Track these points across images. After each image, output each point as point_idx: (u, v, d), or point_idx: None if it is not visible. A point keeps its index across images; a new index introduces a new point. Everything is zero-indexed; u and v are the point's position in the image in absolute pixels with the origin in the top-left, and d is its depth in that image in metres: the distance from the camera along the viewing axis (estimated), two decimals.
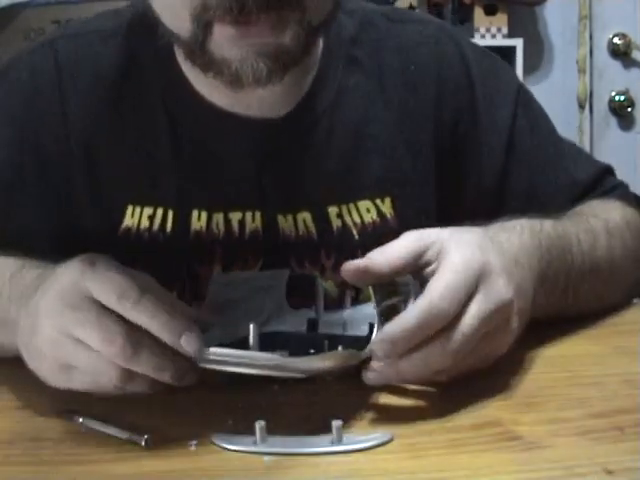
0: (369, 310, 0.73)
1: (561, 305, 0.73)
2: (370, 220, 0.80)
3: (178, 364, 0.58)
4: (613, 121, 2.36)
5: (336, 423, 0.54)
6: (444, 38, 0.85)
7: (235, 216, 0.78)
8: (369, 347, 0.59)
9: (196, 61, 0.69)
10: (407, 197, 0.81)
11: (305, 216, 0.79)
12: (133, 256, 0.76)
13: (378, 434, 0.55)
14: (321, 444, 0.54)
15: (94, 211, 0.79)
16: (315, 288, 0.75)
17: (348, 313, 0.74)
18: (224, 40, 0.65)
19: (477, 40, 2.14)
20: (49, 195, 0.79)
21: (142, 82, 0.79)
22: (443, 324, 0.57)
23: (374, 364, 0.59)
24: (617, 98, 2.33)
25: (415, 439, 0.54)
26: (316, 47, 0.79)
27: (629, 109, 2.34)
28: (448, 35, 0.85)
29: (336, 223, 0.80)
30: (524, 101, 0.86)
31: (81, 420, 0.58)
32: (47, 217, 0.79)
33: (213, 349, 0.58)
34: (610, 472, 0.49)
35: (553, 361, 0.67)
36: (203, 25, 0.65)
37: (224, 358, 0.57)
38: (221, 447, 0.54)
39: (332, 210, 0.79)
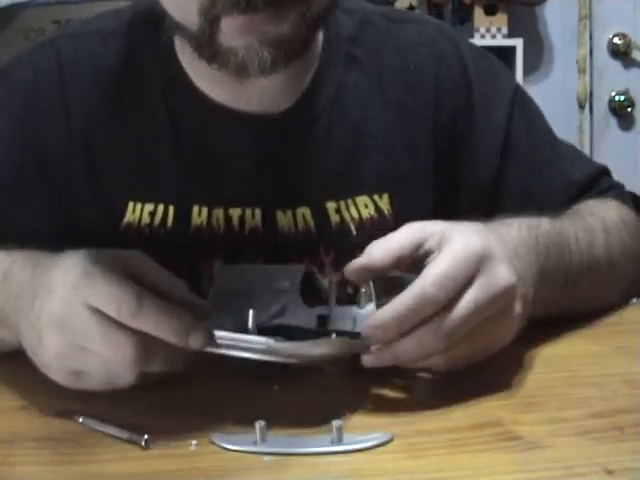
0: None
1: (560, 303, 0.73)
2: (368, 216, 0.81)
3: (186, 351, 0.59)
4: (613, 121, 2.36)
5: (336, 423, 0.54)
6: (442, 38, 0.85)
7: (235, 212, 0.79)
8: (362, 332, 0.59)
9: (203, 53, 0.70)
10: (405, 195, 0.82)
11: (304, 212, 0.80)
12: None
13: (378, 434, 0.54)
14: (321, 444, 0.54)
15: (95, 208, 0.79)
16: (328, 285, 0.75)
17: (358, 310, 0.74)
18: (231, 30, 0.66)
19: (477, 40, 2.14)
20: (50, 194, 0.79)
21: (142, 80, 0.80)
22: (435, 309, 0.57)
23: (371, 348, 0.59)
24: (617, 98, 2.33)
25: (415, 439, 0.54)
26: (316, 43, 0.80)
27: (629, 109, 2.34)
28: (446, 35, 0.86)
29: (334, 219, 0.80)
30: (521, 102, 0.86)
31: (81, 420, 0.58)
32: (48, 215, 0.79)
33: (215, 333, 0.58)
34: (610, 472, 0.49)
35: (553, 361, 0.67)
36: (210, 20, 0.66)
37: (217, 340, 0.58)
38: (221, 447, 0.54)
39: (330, 206, 0.80)
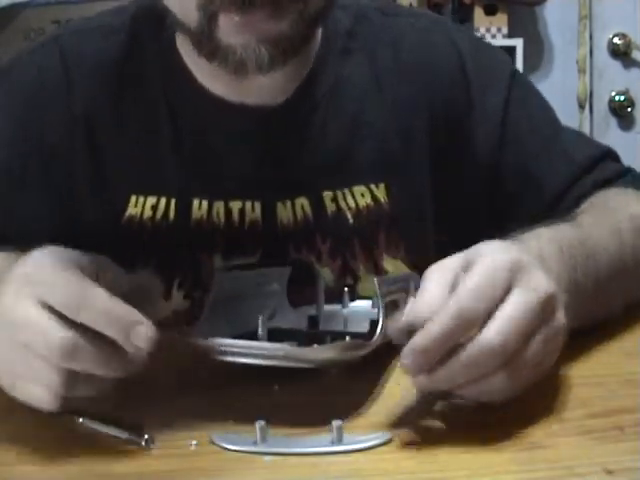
0: (369, 307, 0.73)
1: (591, 312, 0.68)
2: (364, 204, 0.82)
3: (121, 354, 0.55)
4: (613, 121, 2.35)
5: (336, 423, 0.54)
6: (435, 28, 0.87)
7: (235, 205, 0.80)
8: (400, 362, 0.54)
9: (202, 50, 0.72)
10: (401, 183, 0.83)
11: (303, 202, 0.81)
12: (135, 245, 0.80)
13: (378, 434, 0.54)
14: (321, 444, 0.54)
15: (97, 202, 0.80)
16: (316, 285, 0.76)
17: (348, 310, 0.75)
18: (229, 28, 0.67)
19: None
20: (53, 190, 0.81)
21: (144, 75, 0.81)
22: (474, 324, 0.52)
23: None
24: (617, 98, 2.33)
25: (415, 439, 0.54)
26: (314, 38, 0.81)
27: (629, 109, 2.33)
28: (440, 25, 0.88)
29: (330, 207, 0.82)
30: (519, 85, 0.86)
31: (81, 420, 0.58)
32: (50, 212, 0.81)
33: (222, 340, 0.58)
34: (610, 472, 0.49)
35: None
36: (209, 15, 0.67)
37: (233, 349, 0.58)
38: (221, 447, 0.54)
39: (327, 194, 0.81)
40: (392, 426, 0.56)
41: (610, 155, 0.89)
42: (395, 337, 0.56)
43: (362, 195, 0.82)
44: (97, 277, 0.58)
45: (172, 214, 0.80)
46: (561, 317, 0.56)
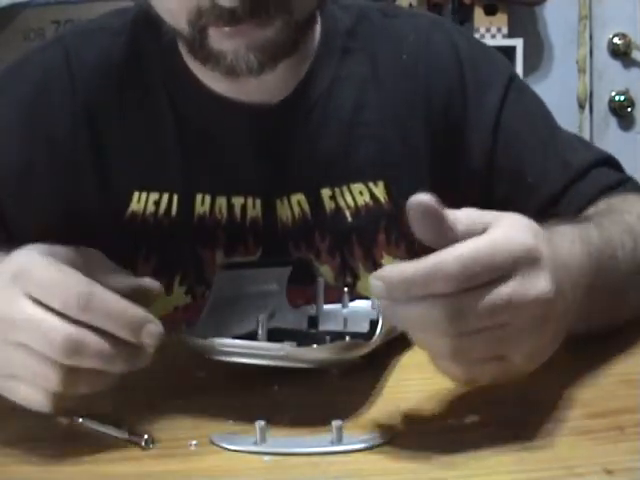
0: (368, 307, 0.74)
1: (610, 315, 0.68)
2: (363, 203, 0.83)
3: (128, 349, 0.54)
4: (613, 121, 2.36)
5: (336, 423, 0.53)
6: (434, 28, 0.87)
7: (237, 201, 0.81)
8: (371, 281, 0.52)
9: (196, 55, 0.74)
10: (400, 181, 0.83)
11: (299, 198, 0.82)
12: (138, 241, 0.81)
13: (378, 434, 0.54)
14: (321, 444, 0.53)
15: (101, 198, 0.81)
16: (316, 285, 0.76)
17: (348, 310, 0.75)
18: (219, 36, 0.70)
19: None
20: (58, 187, 0.81)
21: (146, 74, 0.82)
22: (447, 289, 0.49)
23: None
24: (617, 98, 2.33)
25: (415, 439, 0.54)
26: (312, 37, 0.83)
27: (629, 109, 2.34)
28: (438, 25, 0.88)
29: (329, 205, 0.82)
30: (515, 87, 0.86)
31: (81, 420, 0.58)
32: (55, 207, 0.81)
33: (222, 340, 0.59)
34: (610, 472, 0.49)
35: (553, 361, 0.67)
36: (199, 29, 0.70)
37: (233, 349, 0.58)
38: (221, 447, 0.54)
39: (325, 192, 0.82)
40: (392, 426, 0.56)
41: (610, 162, 0.88)
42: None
43: (360, 193, 0.82)
44: (88, 273, 0.56)
45: (175, 210, 0.81)
46: (553, 327, 0.54)
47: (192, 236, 0.81)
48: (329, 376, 0.64)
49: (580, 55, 2.32)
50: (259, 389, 0.62)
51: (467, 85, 0.84)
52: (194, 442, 0.55)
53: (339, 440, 0.53)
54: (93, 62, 0.82)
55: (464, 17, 2.24)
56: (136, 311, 0.54)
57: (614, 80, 2.34)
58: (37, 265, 0.55)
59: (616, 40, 2.32)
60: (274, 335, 0.66)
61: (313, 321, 0.73)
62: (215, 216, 0.81)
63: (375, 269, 0.81)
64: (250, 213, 0.81)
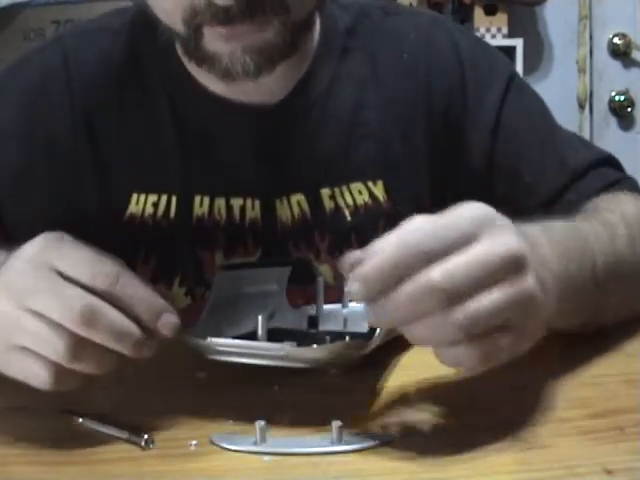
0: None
1: (592, 310, 0.67)
2: (362, 202, 0.83)
3: (138, 333, 0.55)
4: (613, 121, 2.36)
5: (336, 423, 0.53)
6: (435, 27, 0.87)
7: (236, 202, 0.81)
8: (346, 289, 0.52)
9: (192, 56, 0.73)
10: (399, 181, 0.83)
11: (299, 198, 0.82)
12: (137, 242, 0.81)
13: (378, 434, 0.54)
14: (321, 444, 0.53)
15: (100, 200, 0.81)
16: (316, 285, 0.76)
17: (348, 311, 0.75)
18: (214, 37, 0.69)
19: None
20: (57, 188, 0.81)
21: (145, 75, 0.82)
22: (423, 262, 0.49)
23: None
24: (617, 98, 2.33)
25: (415, 439, 0.54)
26: (311, 37, 0.82)
27: (629, 109, 2.34)
28: (439, 24, 0.88)
29: (328, 205, 0.82)
30: (516, 86, 0.86)
31: (81, 420, 0.58)
32: (54, 208, 0.81)
33: (222, 340, 0.59)
34: (610, 472, 0.49)
35: (553, 361, 0.67)
36: (194, 28, 0.69)
37: (233, 349, 0.58)
38: (221, 447, 0.54)
39: (325, 192, 0.82)
40: (392, 426, 0.56)
41: (610, 162, 0.88)
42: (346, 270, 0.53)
43: (360, 193, 0.82)
44: None
45: (173, 211, 0.81)
46: (531, 282, 0.51)
47: (191, 237, 0.81)
48: (329, 376, 0.64)
49: (580, 55, 2.32)
50: (259, 389, 0.62)
51: (467, 84, 0.84)
52: (194, 442, 0.55)
53: (339, 440, 0.53)
54: (92, 63, 0.82)
55: (464, 17, 2.23)
56: (158, 299, 0.56)
57: (614, 80, 2.34)
58: (67, 242, 0.57)
59: (616, 40, 2.32)
60: (274, 335, 0.66)
61: (313, 321, 0.73)
62: (214, 217, 0.81)
63: None
64: (249, 214, 0.81)
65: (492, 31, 2.22)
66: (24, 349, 0.55)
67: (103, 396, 0.59)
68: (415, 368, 0.63)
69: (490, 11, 2.22)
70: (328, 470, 0.51)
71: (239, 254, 0.81)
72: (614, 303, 0.70)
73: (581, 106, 2.33)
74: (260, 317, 0.64)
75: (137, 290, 0.56)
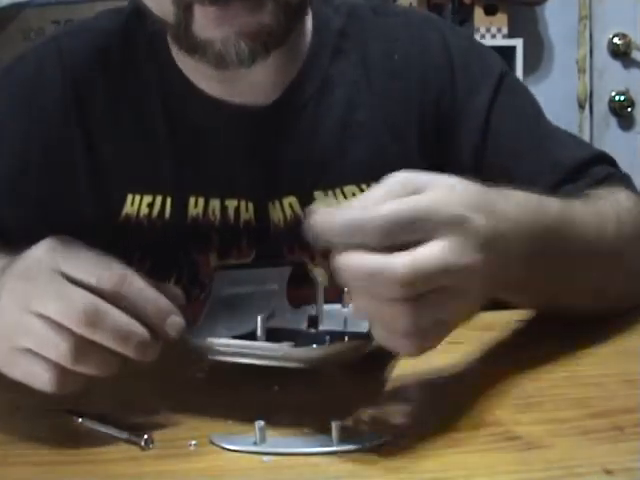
0: None
1: (565, 294, 0.67)
2: None
3: (143, 335, 0.55)
4: (613, 121, 2.36)
5: (336, 423, 0.53)
6: (426, 27, 0.87)
7: (231, 203, 0.81)
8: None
9: (182, 45, 0.72)
10: None
11: (291, 201, 0.81)
12: (132, 243, 0.80)
13: (378, 434, 0.54)
14: (321, 444, 0.53)
15: (95, 200, 0.81)
16: (315, 286, 0.76)
17: (348, 310, 0.75)
18: (206, 22, 0.68)
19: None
20: (52, 187, 0.81)
21: (139, 75, 0.82)
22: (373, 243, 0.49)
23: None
24: (617, 98, 2.33)
25: (415, 439, 0.54)
26: (304, 36, 0.82)
27: (629, 109, 2.34)
28: (431, 24, 0.88)
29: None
30: (507, 86, 0.86)
31: (81, 420, 0.58)
32: (49, 208, 0.81)
33: (221, 340, 0.59)
34: (610, 472, 0.49)
35: (552, 361, 0.67)
36: (184, 7, 0.68)
37: (233, 349, 0.58)
38: (221, 447, 0.54)
39: (318, 195, 0.81)
40: (392, 426, 0.56)
41: (605, 160, 0.87)
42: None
43: (354, 195, 0.82)
44: None
45: (168, 212, 0.80)
46: (472, 254, 0.50)
47: (186, 238, 0.81)
48: (329, 376, 0.64)
49: (580, 55, 2.32)
50: (259, 389, 0.62)
51: (458, 84, 0.84)
52: (193, 442, 0.55)
53: (339, 440, 0.53)
54: (87, 62, 0.82)
55: (464, 17, 2.23)
56: (165, 300, 0.56)
57: (614, 80, 2.34)
58: (72, 245, 0.57)
59: (616, 40, 2.32)
60: (273, 335, 0.66)
61: (313, 321, 0.73)
62: (209, 218, 0.81)
63: None
64: (243, 216, 0.81)
65: (492, 31, 2.22)
66: (28, 351, 0.54)
67: (103, 396, 0.59)
68: (415, 368, 0.63)
69: (490, 11, 2.22)
70: (328, 470, 0.51)
71: (233, 256, 0.81)
72: (589, 290, 0.69)
73: (581, 106, 2.33)
74: (260, 317, 0.64)
75: (144, 291, 0.55)
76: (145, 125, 0.81)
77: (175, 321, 0.56)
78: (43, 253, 0.57)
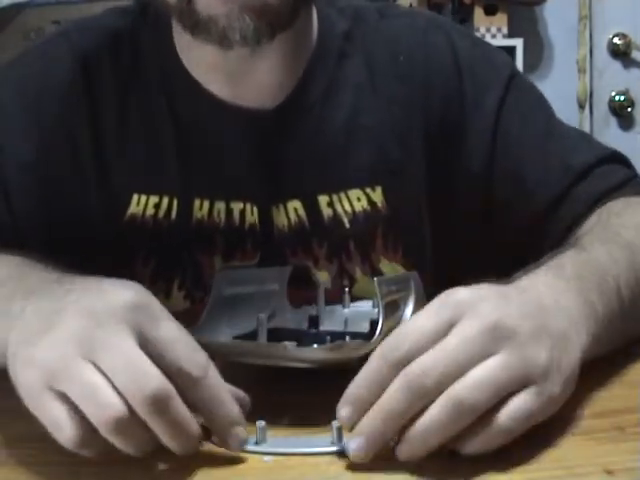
0: (369, 307, 0.74)
1: (623, 330, 0.65)
2: (361, 209, 0.82)
3: (195, 435, 0.51)
4: (613, 121, 2.36)
5: (336, 423, 0.53)
6: (433, 28, 0.85)
7: (236, 206, 0.80)
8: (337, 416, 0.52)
9: (186, 24, 0.71)
10: (398, 186, 0.82)
11: (295, 205, 0.81)
12: (137, 243, 0.80)
13: None
14: (321, 444, 0.54)
15: (101, 199, 0.81)
16: (316, 286, 0.76)
17: (348, 311, 0.75)
18: (209, 0, 0.67)
19: None
20: (60, 182, 0.81)
21: (146, 76, 0.82)
22: (401, 366, 0.49)
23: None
24: (617, 98, 2.33)
25: None
26: (309, 42, 0.81)
27: (629, 109, 2.34)
28: (437, 25, 0.86)
29: (327, 212, 0.81)
30: (516, 86, 0.84)
31: None
32: (57, 204, 0.80)
33: (222, 340, 0.59)
34: (610, 472, 0.49)
35: None
36: None
37: (233, 349, 0.58)
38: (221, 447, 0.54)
39: (322, 199, 0.81)
40: None
41: (616, 158, 0.85)
42: None
43: (358, 199, 0.81)
44: None
45: (174, 213, 0.80)
46: (521, 347, 0.50)
47: (191, 240, 0.81)
48: (329, 376, 0.64)
49: (580, 55, 2.32)
50: (259, 389, 0.62)
51: (465, 87, 0.83)
52: None
53: (339, 440, 0.53)
54: (97, 61, 0.81)
55: (464, 17, 2.23)
56: (236, 408, 0.52)
57: (614, 80, 2.34)
58: (155, 305, 0.51)
59: (616, 40, 2.32)
60: (274, 335, 0.66)
61: (314, 321, 0.73)
62: (214, 220, 0.80)
63: (373, 273, 0.81)
64: (248, 218, 0.80)
65: (492, 31, 2.22)
66: (63, 396, 0.49)
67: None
68: None
69: (490, 11, 2.22)
70: (328, 470, 0.51)
71: (238, 258, 0.81)
72: None
73: (581, 106, 2.33)
74: (260, 317, 0.64)
75: (220, 390, 0.51)
76: (151, 126, 0.81)
77: (241, 434, 0.52)
78: (124, 302, 0.50)
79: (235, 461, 0.53)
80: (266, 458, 0.53)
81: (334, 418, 0.54)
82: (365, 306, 0.75)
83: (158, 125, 0.81)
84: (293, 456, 0.53)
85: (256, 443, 0.54)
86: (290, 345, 0.58)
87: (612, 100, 2.34)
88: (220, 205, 0.80)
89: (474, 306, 0.50)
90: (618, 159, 0.86)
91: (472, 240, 0.84)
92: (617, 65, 2.35)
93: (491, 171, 0.82)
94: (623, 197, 0.80)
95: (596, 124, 2.34)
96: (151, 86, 0.81)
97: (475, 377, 0.48)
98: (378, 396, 0.50)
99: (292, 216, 0.81)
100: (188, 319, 0.68)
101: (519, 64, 2.16)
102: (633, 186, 0.83)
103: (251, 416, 0.55)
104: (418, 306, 0.64)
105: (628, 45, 2.31)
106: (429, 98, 0.82)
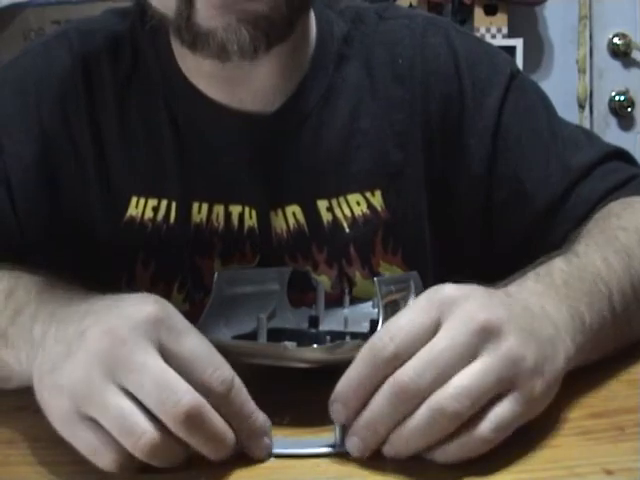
0: (369, 308, 0.74)
1: (614, 340, 0.65)
2: (360, 213, 0.81)
3: (232, 443, 0.51)
4: (613, 121, 2.35)
5: (336, 423, 0.53)
6: (431, 30, 0.85)
7: (235, 209, 0.80)
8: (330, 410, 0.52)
9: (184, 38, 0.71)
10: (397, 190, 0.82)
11: (294, 210, 0.80)
12: (136, 246, 0.80)
13: None
14: (321, 444, 0.54)
15: (100, 200, 0.80)
16: (316, 287, 0.76)
17: (348, 311, 0.75)
18: (208, 12, 0.67)
19: None
20: (60, 182, 0.80)
21: (146, 79, 0.81)
22: (392, 366, 0.50)
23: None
24: (617, 98, 2.33)
25: None
26: (307, 45, 0.81)
27: (629, 109, 2.33)
28: (436, 26, 0.86)
29: (326, 217, 0.81)
30: (517, 86, 0.84)
31: None
32: (58, 206, 0.80)
33: (222, 340, 0.58)
34: (610, 472, 0.49)
35: None
36: None
37: (233, 349, 0.58)
38: None
39: (322, 204, 0.81)
40: None
41: (619, 155, 0.85)
42: None
43: (358, 203, 0.81)
44: None
45: (173, 216, 0.80)
46: (510, 343, 0.51)
47: (189, 244, 0.80)
48: (329, 376, 0.64)
49: (580, 55, 2.32)
50: (259, 389, 0.62)
51: (465, 88, 0.82)
52: None
53: (340, 440, 0.53)
54: (97, 64, 0.81)
55: (464, 17, 2.23)
56: (263, 418, 0.53)
57: (614, 80, 2.34)
58: (176, 318, 0.51)
59: (616, 40, 2.32)
60: (274, 335, 0.66)
61: (314, 321, 0.73)
62: (212, 224, 0.80)
63: (372, 276, 0.81)
64: (247, 222, 0.80)
65: (492, 31, 2.22)
66: (94, 423, 0.48)
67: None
68: None
69: (490, 11, 2.22)
70: (328, 470, 0.51)
71: (236, 262, 0.80)
72: (636, 327, 0.68)
73: (581, 106, 2.33)
74: (260, 317, 0.65)
75: (248, 402, 0.52)
76: (151, 128, 0.80)
77: (267, 444, 0.53)
78: (144, 318, 0.50)
79: (235, 461, 0.53)
80: None
81: None
82: (365, 306, 0.75)
83: (157, 128, 0.80)
84: (293, 456, 0.53)
85: None
86: (290, 345, 0.58)
87: (612, 100, 2.34)
88: (219, 209, 0.80)
89: (461, 304, 0.51)
90: (621, 156, 0.85)
91: (472, 242, 0.84)
92: (617, 65, 2.34)
93: (491, 172, 0.82)
94: (625, 197, 0.80)
95: (596, 124, 2.34)
96: (151, 89, 0.81)
97: (457, 386, 0.49)
98: (367, 394, 0.51)
99: (291, 221, 0.80)
100: (188, 320, 0.68)
101: (519, 64, 2.16)
102: (636, 185, 0.82)
103: None
104: None
105: (628, 45, 2.31)
106: (429, 99, 0.82)
